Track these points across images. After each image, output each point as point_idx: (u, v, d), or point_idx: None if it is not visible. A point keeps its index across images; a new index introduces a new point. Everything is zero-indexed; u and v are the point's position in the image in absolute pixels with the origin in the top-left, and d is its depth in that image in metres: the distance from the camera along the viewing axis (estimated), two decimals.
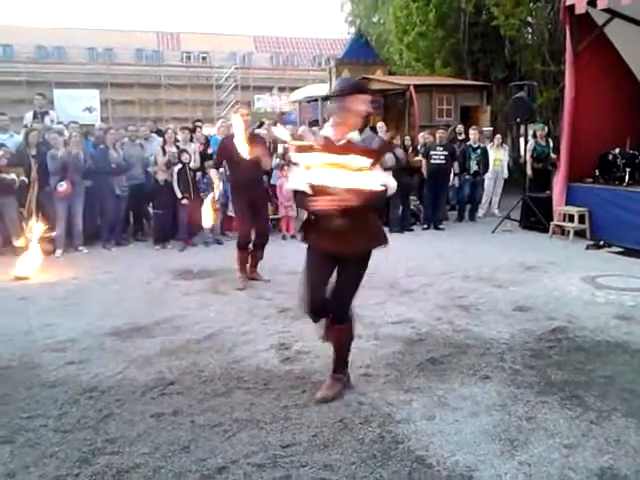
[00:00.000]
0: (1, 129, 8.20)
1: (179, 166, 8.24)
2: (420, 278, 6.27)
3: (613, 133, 8.64)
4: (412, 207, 9.93)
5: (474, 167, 10.39)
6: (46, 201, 7.71)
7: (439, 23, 15.73)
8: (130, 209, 8.87)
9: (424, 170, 9.71)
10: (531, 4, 14.99)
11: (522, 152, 10.62)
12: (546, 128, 11.24)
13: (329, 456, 2.80)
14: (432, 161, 9.57)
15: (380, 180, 3.08)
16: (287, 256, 6.86)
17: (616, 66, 8.83)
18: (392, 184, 3.19)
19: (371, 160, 2.98)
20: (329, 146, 3.11)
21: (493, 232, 9.23)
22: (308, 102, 18.46)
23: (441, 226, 9.72)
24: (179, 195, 8.22)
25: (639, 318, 4.86)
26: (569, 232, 8.49)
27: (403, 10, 16.45)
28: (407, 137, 10.36)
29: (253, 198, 5.96)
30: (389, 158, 3.20)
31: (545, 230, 8.92)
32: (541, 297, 5.51)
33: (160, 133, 9.81)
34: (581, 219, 8.47)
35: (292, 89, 27.01)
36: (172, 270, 6.78)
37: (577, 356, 4.05)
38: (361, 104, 3.13)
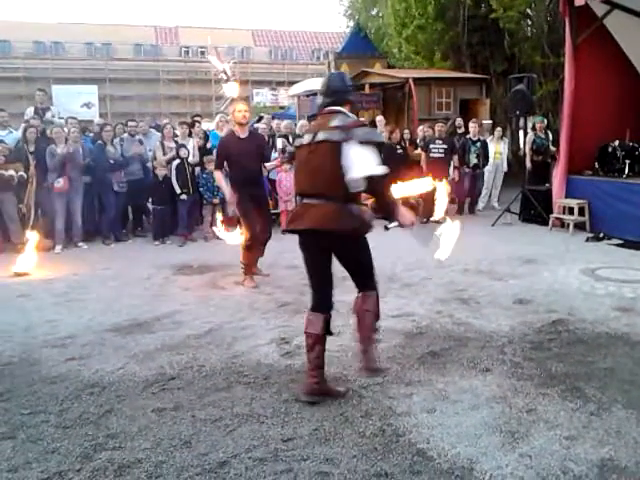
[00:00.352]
0: (0, 125, 8.17)
1: (177, 161, 8.23)
2: (420, 271, 6.27)
3: (613, 125, 8.62)
4: (411, 200, 9.91)
5: (474, 160, 10.37)
6: (44, 197, 7.70)
7: (438, 16, 15.67)
8: (129, 205, 8.86)
9: (423, 164, 9.69)
10: None
11: (522, 145, 10.59)
12: (545, 120, 11.20)
13: (330, 449, 2.81)
14: (431, 154, 9.55)
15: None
16: (286, 251, 6.85)
17: (616, 58, 8.80)
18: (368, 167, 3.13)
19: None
20: None
21: (493, 225, 9.22)
22: (307, 96, 18.41)
23: None
24: (178, 190, 8.21)
25: (639, 310, 4.86)
26: (569, 225, 8.48)
27: (402, 3, 16.38)
28: (406, 130, 10.34)
29: (255, 195, 5.88)
30: (363, 132, 3.23)
31: (545, 223, 8.91)
32: (541, 290, 5.51)
33: (159, 128, 9.78)
34: (581, 211, 8.46)
35: (291, 83, 26.93)
36: (172, 265, 6.78)
37: (577, 348, 4.05)
38: None
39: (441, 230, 3.90)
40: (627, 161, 8.36)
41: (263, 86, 34.23)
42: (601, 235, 7.99)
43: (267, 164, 6.06)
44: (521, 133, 10.56)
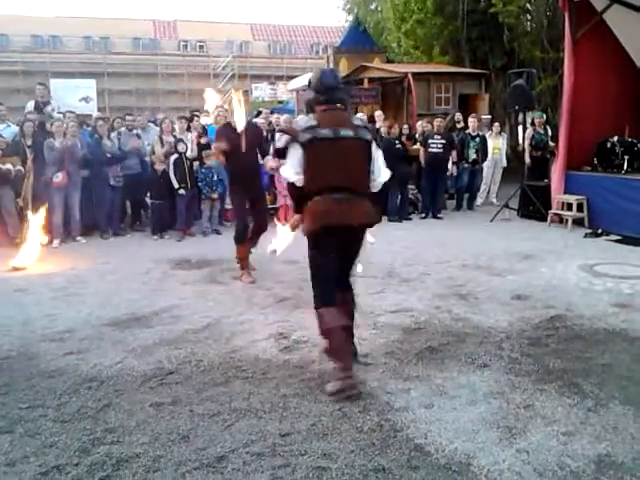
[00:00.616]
0: None
1: (176, 156, 8.21)
2: (418, 267, 6.27)
3: (612, 121, 8.62)
4: (410, 196, 9.92)
5: (472, 155, 10.36)
6: (42, 191, 7.68)
7: (437, 10, 15.62)
8: (127, 199, 8.84)
9: (422, 159, 9.68)
10: None
11: (520, 140, 10.58)
12: (545, 116, 11.19)
13: (328, 444, 2.81)
14: (430, 150, 9.53)
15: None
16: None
17: (615, 53, 8.78)
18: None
19: None
20: None
21: (491, 221, 9.22)
22: (305, 90, 18.38)
23: (439, 215, 9.70)
24: (176, 185, 8.19)
25: (637, 306, 4.87)
26: (567, 220, 8.49)
27: None
28: (405, 125, 10.32)
29: (251, 189, 5.86)
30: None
31: (543, 218, 8.91)
32: (539, 285, 5.52)
33: (157, 123, 9.75)
34: (579, 207, 8.46)
35: (289, 78, 26.87)
36: (170, 260, 6.77)
37: (575, 344, 4.06)
38: None
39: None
40: (626, 157, 8.36)
41: (262, 80, 34.11)
42: (599, 231, 8.00)
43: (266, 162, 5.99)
44: (520, 128, 10.55)
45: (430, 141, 9.56)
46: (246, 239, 5.90)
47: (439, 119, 9.96)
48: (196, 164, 8.46)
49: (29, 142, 7.72)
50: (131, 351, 4.03)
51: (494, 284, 5.60)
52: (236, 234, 5.92)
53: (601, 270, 5.97)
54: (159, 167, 8.20)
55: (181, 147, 8.23)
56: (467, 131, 10.51)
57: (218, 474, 2.60)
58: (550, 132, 10.59)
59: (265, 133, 9.21)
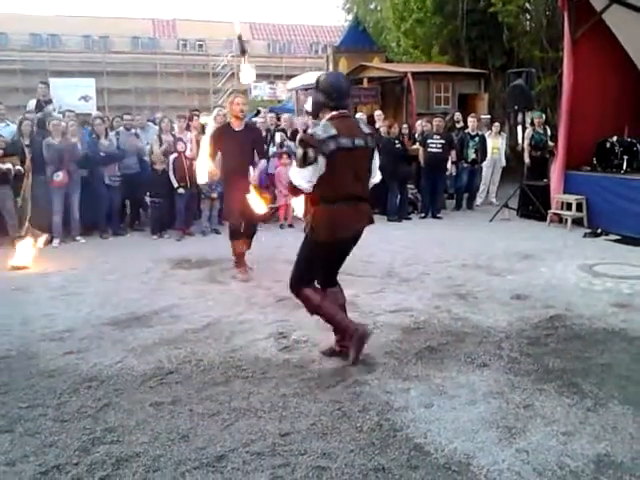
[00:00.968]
0: None
1: (175, 155, 8.20)
2: (418, 266, 6.28)
3: (611, 121, 8.62)
4: (410, 196, 9.92)
5: (472, 155, 10.37)
6: (41, 190, 7.67)
7: (437, 10, 15.61)
8: (127, 199, 8.84)
9: (421, 159, 9.69)
10: None
11: (520, 140, 10.59)
12: (544, 116, 11.20)
13: (328, 444, 2.81)
14: (429, 149, 9.54)
15: None
16: (284, 245, 6.86)
17: (615, 53, 8.79)
18: None
19: None
20: None
21: (491, 220, 9.23)
22: (305, 90, 18.37)
23: (439, 215, 9.71)
24: (175, 184, 8.18)
25: (636, 306, 4.88)
26: (567, 220, 8.50)
27: None
28: (405, 125, 10.32)
29: (244, 187, 5.87)
30: None
31: (543, 218, 8.92)
32: (538, 285, 5.52)
33: (156, 122, 9.74)
34: (579, 207, 8.47)
35: (289, 77, 26.84)
36: (170, 259, 6.77)
37: (574, 344, 4.06)
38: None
39: None
40: (625, 157, 8.36)
41: (261, 80, 34.11)
42: (599, 231, 8.01)
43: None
44: (519, 128, 10.55)
45: (429, 141, 9.56)
46: (240, 235, 5.96)
47: (438, 119, 9.97)
48: (195, 163, 8.45)
49: (27, 141, 7.71)
50: (131, 350, 4.03)
51: (493, 284, 5.61)
52: (230, 230, 6.01)
53: (600, 270, 5.98)
54: (159, 167, 8.19)
55: (180, 146, 8.22)
56: (466, 131, 10.51)
57: (218, 473, 2.60)
58: (549, 132, 10.60)
59: (265, 133, 9.25)
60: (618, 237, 7.71)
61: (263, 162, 6.40)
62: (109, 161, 8.17)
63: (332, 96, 3.41)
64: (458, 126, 11.10)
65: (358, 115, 9.60)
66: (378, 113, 10.78)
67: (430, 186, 9.68)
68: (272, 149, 9.23)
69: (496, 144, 10.88)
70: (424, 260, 6.57)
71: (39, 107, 9.13)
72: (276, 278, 5.85)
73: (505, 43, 15.07)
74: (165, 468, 2.65)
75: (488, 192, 11.13)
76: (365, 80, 14.34)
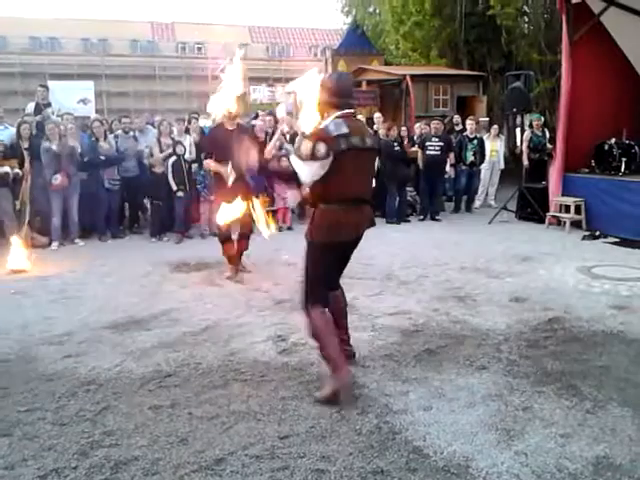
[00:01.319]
0: None
1: (174, 158, 8.20)
2: (416, 269, 6.28)
3: (609, 123, 8.63)
4: (408, 198, 9.92)
5: (470, 158, 10.37)
6: (40, 193, 7.68)
7: (435, 13, 15.67)
8: (126, 201, 8.84)
9: (420, 161, 9.70)
10: None
11: (518, 142, 10.60)
12: (542, 118, 11.22)
13: (327, 447, 2.81)
14: (428, 152, 9.55)
15: None
16: (283, 248, 6.86)
17: (612, 55, 8.80)
18: None
19: None
20: None
21: (489, 223, 9.23)
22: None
23: (437, 217, 9.71)
24: (174, 187, 8.18)
25: (635, 308, 4.88)
26: (565, 223, 8.50)
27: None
28: (403, 128, 10.33)
29: (238, 190, 5.79)
30: None
31: (541, 221, 8.93)
32: (537, 288, 5.52)
33: (154, 125, 9.74)
34: (577, 209, 8.48)
35: (288, 80, 26.86)
36: (169, 263, 6.77)
37: (573, 346, 4.07)
38: None
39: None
40: (623, 159, 8.38)
41: (260, 83, 34.15)
42: (597, 233, 8.01)
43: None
44: (518, 130, 10.56)
45: (428, 143, 9.57)
46: (229, 238, 6.03)
47: (437, 121, 9.98)
48: (195, 166, 8.46)
49: (26, 145, 7.71)
50: (129, 354, 4.03)
51: (492, 286, 5.61)
52: (219, 233, 6.09)
53: (599, 272, 5.98)
54: (158, 170, 8.19)
55: (180, 149, 8.22)
56: (465, 133, 10.52)
57: (217, 477, 2.60)
58: (548, 134, 10.61)
59: (264, 135, 9.25)
60: (616, 239, 7.72)
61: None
62: (108, 164, 8.16)
63: (338, 94, 3.34)
64: (457, 129, 11.11)
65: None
66: (377, 115, 10.79)
67: (429, 188, 9.69)
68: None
69: (495, 146, 10.90)
70: (423, 263, 6.57)
71: (38, 110, 9.12)
72: (275, 281, 5.86)
73: (503, 46, 15.11)
74: (164, 471, 2.64)
75: (487, 194, 11.13)
76: (364, 83, 14.38)
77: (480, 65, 15.77)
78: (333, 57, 17.21)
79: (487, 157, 10.63)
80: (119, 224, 8.71)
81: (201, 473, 2.63)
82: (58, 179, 7.56)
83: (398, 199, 9.45)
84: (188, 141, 8.55)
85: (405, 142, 9.73)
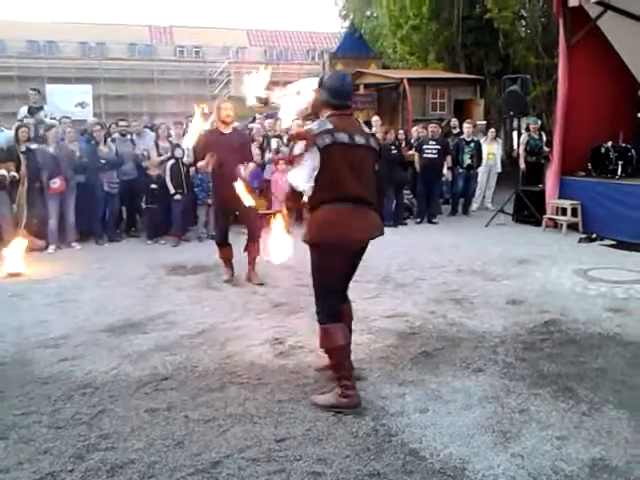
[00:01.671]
0: None
1: (172, 161, 8.20)
2: (413, 272, 6.29)
3: (606, 126, 8.66)
4: (406, 201, 9.94)
5: (467, 161, 10.39)
6: (36, 197, 7.66)
7: (433, 16, 15.72)
8: (125, 205, 8.83)
9: (417, 164, 9.71)
10: None
11: (515, 146, 10.63)
12: (539, 121, 11.24)
13: (323, 449, 2.81)
14: (425, 155, 9.57)
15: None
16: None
17: (609, 59, 8.84)
18: None
19: None
20: None
21: (486, 226, 9.25)
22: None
23: (434, 220, 9.72)
24: (172, 190, 8.18)
25: (631, 310, 4.89)
26: (562, 225, 8.52)
27: (397, 3, 16.42)
28: (401, 131, 10.35)
29: (234, 193, 5.79)
30: None
31: (538, 223, 8.95)
32: (534, 290, 5.53)
33: (153, 128, 9.73)
34: (574, 212, 8.50)
35: (285, 83, 26.90)
36: (165, 266, 6.76)
37: (569, 348, 4.07)
38: None
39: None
40: (620, 162, 8.41)
41: None
42: (594, 236, 8.03)
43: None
44: (515, 134, 10.59)
45: (425, 147, 9.60)
46: (225, 242, 6.06)
47: (434, 125, 10.01)
48: (192, 169, 8.45)
49: (23, 148, 7.71)
50: (126, 357, 4.02)
51: (489, 289, 5.62)
52: (215, 237, 6.20)
53: (595, 275, 6.00)
54: (153, 172, 8.19)
55: (178, 152, 8.22)
56: (462, 136, 10.55)
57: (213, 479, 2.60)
58: (545, 137, 10.63)
59: (261, 139, 9.26)
60: (613, 242, 7.74)
61: (252, 165, 6.43)
62: (108, 168, 8.16)
63: (335, 95, 3.29)
64: (454, 132, 11.13)
65: None
66: (375, 119, 10.80)
67: (426, 191, 9.71)
68: (268, 155, 9.25)
69: (492, 150, 10.93)
70: (420, 265, 6.58)
71: (31, 114, 9.12)
72: (272, 284, 5.86)
73: (501, 49, 15.16)
74: (160, 475, 2.64)
75: (484, 197, 11.16)
76: (361, 86, 14.41)
77: (477, 68, 15.81)
78: (331, 60, 17.27)
79: (484, 160, 10.66)
80: (116, 227, 8.70)
81: (197, 476, 2.62)
82: (57, 183, 7.55)
83: (395, 202, 9.47)
84: (186, 144, 8.55)
85: (402, 145, 9.75)
